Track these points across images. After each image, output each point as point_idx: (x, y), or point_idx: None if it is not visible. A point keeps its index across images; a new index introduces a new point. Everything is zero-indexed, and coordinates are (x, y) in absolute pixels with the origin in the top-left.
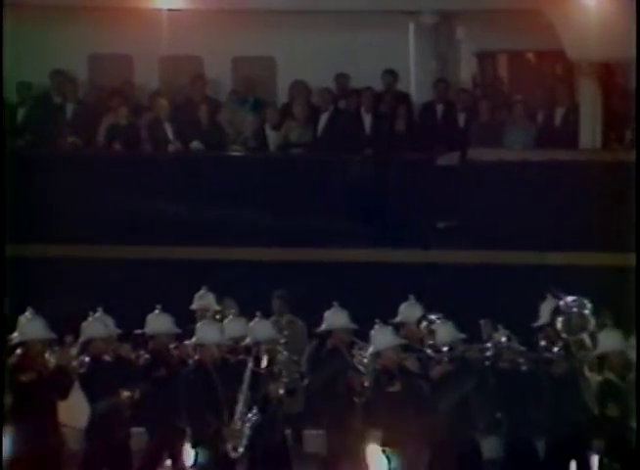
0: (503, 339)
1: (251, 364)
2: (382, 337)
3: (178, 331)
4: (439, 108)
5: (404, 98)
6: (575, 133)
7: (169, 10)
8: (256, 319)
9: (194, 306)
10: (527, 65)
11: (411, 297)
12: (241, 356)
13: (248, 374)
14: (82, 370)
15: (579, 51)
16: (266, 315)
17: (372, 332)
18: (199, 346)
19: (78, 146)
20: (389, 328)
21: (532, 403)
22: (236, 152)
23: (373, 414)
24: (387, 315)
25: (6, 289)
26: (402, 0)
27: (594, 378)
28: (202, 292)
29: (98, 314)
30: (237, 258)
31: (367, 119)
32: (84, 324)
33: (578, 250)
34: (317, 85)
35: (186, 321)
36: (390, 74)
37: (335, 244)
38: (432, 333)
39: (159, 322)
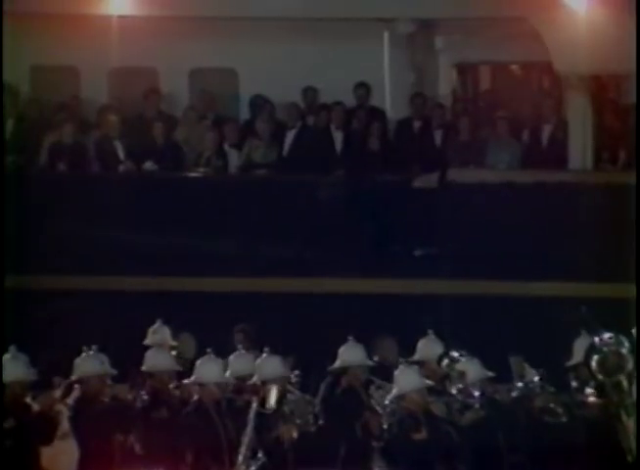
0: (536, 378)
1: (255, 405)
2: (407, 378)
3: (179, 368)
4: (416, 125)
5: (378, 114)
6: (564, 153)
7: (119, 17)
8: (264, 356)
9: (147, 342)
10: (512, 77)
11: (430, 332)
12: (247, 396)
13: (252, 415)
14: (70, 413)
15: (568, 63)
16: (229, 351)
17: (396, 372)
18: (198, 385)
19: (19, 165)
20: (415, 368)
21: (562, 449)
22: (195, 173)
23: (394, 461)
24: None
25: None
26: (376, 7)
27: (631, 423)
28: (156, 325)
29: (92, 352)
30: (195, 289)
31: (338, 137)
32: (77, 361)
33: (568, 280)
34: (283, 100)
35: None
36: (363, 88)
37: (304, 273)
38: (460, 375)
39: (158, 359)
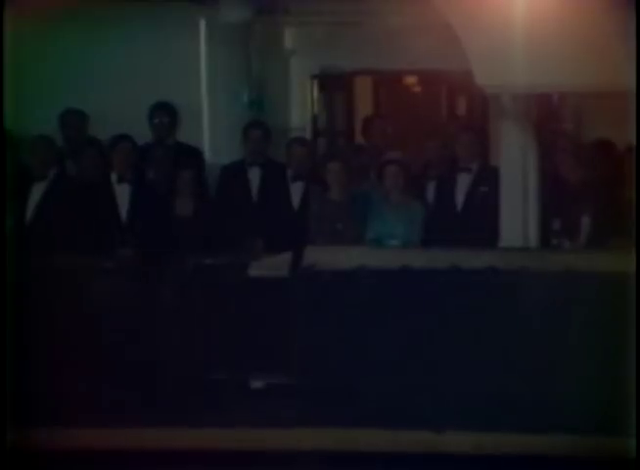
0: None
1: None
2: None
3: None
4: (255, 173)
5: (192, 155)
6: (493, 220)
7: None
8: None
9: None
10: (407, 96)
11: None
12: None
13: None
14: None
15: (497, 74)
16: None
17: None
18: None
19: None
20: None
21: None
22: None
23: None
24: None
25: None
26: None
27: None
28: None
29: None
30: None
31: (123, 195)
32: None
33: (499, 430)
34: (28, 131)
35: None
36: (165, 112)
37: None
38: None
39: None
